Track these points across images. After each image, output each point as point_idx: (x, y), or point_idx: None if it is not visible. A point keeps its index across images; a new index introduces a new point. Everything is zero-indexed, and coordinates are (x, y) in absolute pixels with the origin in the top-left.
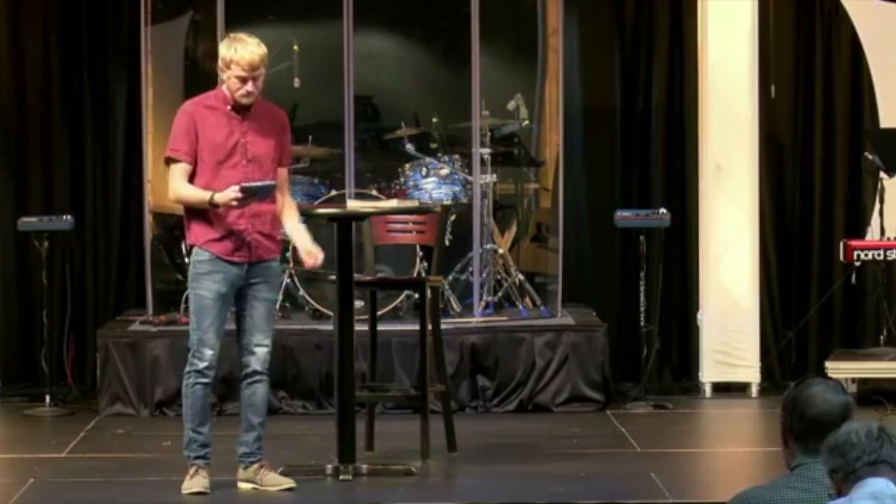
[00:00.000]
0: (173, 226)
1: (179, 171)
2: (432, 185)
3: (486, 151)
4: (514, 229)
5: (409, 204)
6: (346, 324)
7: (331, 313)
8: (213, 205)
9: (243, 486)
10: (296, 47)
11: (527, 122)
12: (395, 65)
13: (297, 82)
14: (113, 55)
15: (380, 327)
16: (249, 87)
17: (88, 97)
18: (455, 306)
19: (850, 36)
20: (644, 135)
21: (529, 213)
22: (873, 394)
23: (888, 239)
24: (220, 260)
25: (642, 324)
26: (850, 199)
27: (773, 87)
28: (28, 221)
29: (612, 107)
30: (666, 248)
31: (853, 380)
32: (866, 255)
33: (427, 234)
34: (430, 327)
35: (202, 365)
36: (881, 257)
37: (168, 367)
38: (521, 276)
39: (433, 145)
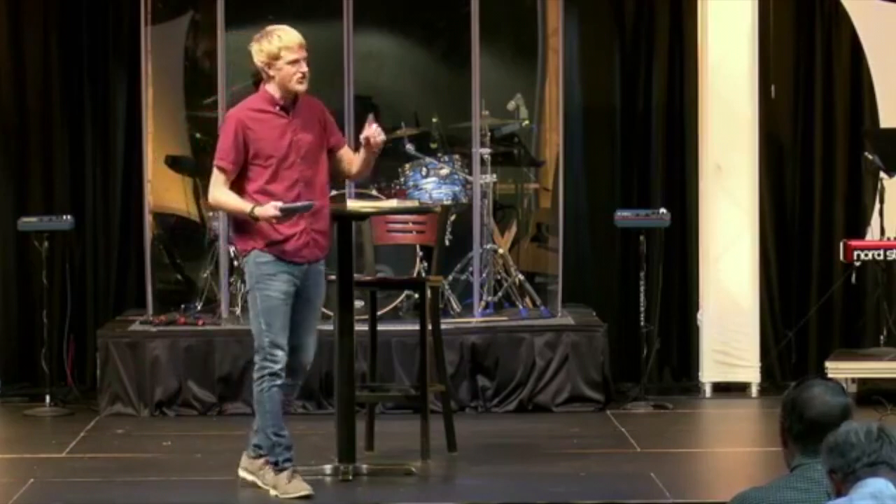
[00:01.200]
0: (173, 226)
1: (221, 177)
2: (432, 185)
3: (486, 151)
4: (514, 229)
5: (409, 204)
6: (346, 324)
7: (331, 313)
8: (252, 218)
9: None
10: None
11: (527, 122)
12: (395, 65)
13: None
14: (113, 55)
15: (380, 327)
16: (304, 67)
17: (88, 97)
18: (455, 306)
19: (850, 36)
20: (644, 135)
21: (529, 213)
22: (873, 394)
23: (888, 239)
24: (283, 261)
25: (642, 324)
26: (850, 199)
27: (773, 87)
28: (28, 221)
29: (612, 107)
30: (666, 248)
31: (853, 380)
32: (866, 255)
33: (427, 234)
34: (430, 327)
35: (277, 367)
36: (881, 257)
37: (168, 367)
38: (521, 276)
39: (433, 145)
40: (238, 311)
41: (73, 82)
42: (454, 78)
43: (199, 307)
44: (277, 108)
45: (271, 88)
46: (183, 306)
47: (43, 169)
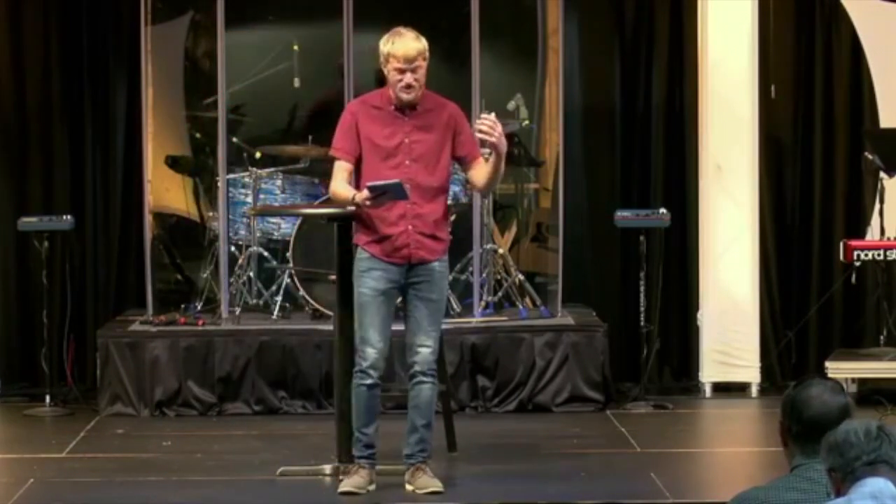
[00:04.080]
0: (173, 226)
1: (338, 168)
2: None
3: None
4: (514, 229)
5: None
6: (346, 324)
7: (331, 313)
8: (354, 204)
9: (407, 486)
10: (296, 47)
11: (527, 122)
12: None
13: (297, 82)
14: (113, 55)
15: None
16: (408, 78)
17: (88, 97)
18: (455, 306)
19: (850, 36)
20: (644, 135)
21: (529, 213)
22: (873, 394)
23: (888, 239)
24: (378, 259)
25: (642, 324)
26: (850, 199)
27: (773, 87)
28: (28, 221)
29: (612, 107)
30: (666, 248)
31: (853, 380)
32: (866, 255)
33: None
34: None
35: (365, 364)
36: (881, 257)
37: (168, 367)
38: (521, 276)
39: None
40: (238, 311)
41: (73, 82)
42: (454, 78)
43: (199, 307)
44: (393, 107)
45: (389, 87)
46: (183, 306)
47: (43, 169)
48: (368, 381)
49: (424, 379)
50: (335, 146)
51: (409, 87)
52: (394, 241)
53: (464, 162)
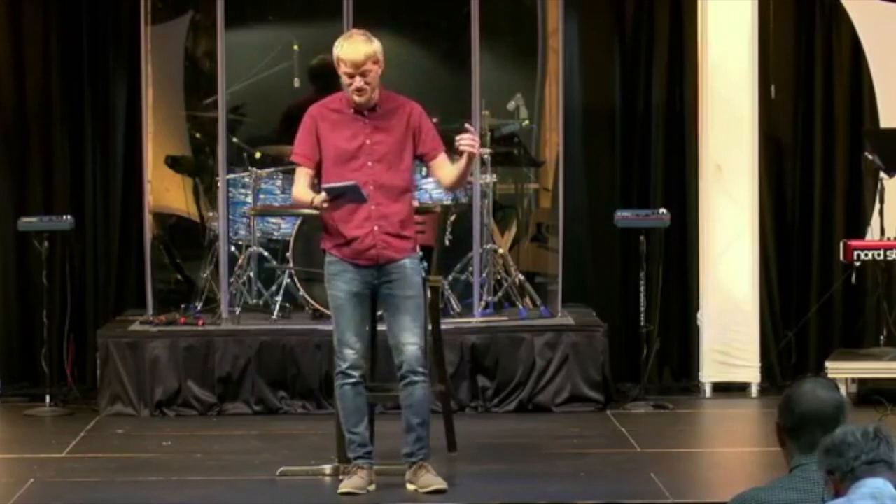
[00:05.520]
0: (173, 226)
1: (299, 173)
2: (432, 185)
3: (486, 151)
4: (514, 229)
5: None
6: None
7: (331, 313)
8: (313, 207)
9: (409, 486)
10: (296, 47)
11: (527, 122)
12: (395, 65)
13: (297, 82)
14: (113, 55)
15: (380, 327)
16: (357, 82)
17: (88, 97)
18: (455, 306)
19: (850, 36)
20: (644, 135)
21: (529, 213)
22: (873, 394)
23: (888, 239)
24: (347, 263)
25: (642, 324)
26: (850, 199)
27: (773, 87)
28: (28, 221)
29: (612, 107)
30: (666, 248)
31: (853, 380)
32: (866, 255)
33: (427, 235)
34: (430, 327)
35: (345, 365)
36: (881, 257)
37: (168, 367)
38: (521, 276)
39: None
40: (238, 311)
41: (73, 82)
42: (454, 78)
43: (199, 307)
44: (352, 109)
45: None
46: (183, 306)
47: (43, 169)
48: (351, 381)
49: (415, 378)
50: (295, 151)
51: (359, 90)
52: (360, 243)
53: (425, 159)
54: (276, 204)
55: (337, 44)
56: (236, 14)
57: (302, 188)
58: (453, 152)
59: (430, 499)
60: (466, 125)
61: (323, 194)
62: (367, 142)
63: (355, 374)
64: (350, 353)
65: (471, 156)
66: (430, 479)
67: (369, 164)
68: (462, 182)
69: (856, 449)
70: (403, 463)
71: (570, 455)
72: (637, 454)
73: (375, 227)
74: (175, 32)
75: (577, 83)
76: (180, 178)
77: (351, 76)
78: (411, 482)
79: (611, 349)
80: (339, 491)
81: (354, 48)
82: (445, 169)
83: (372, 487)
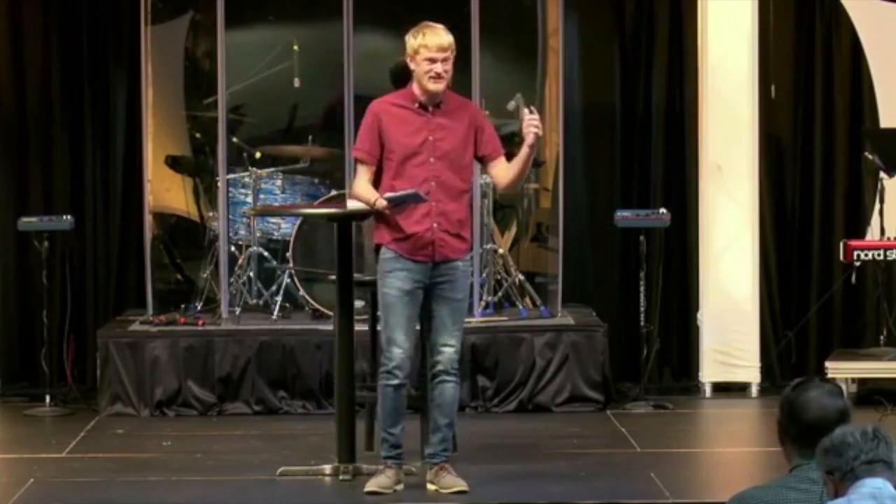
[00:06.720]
0: (173, 226)
1: (360, 168)
2: None
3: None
4: (514, 229)
5: None
6: (346, 324)
7: (331, 313)
8: (375, 209)
9: (430, 487)
10: (296, 47)
11: None
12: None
13: (297, 82)
14: (113, 56)
15: (380, 327)
16: (439, 68)
17: (88, 97)
18: None
19: (850, 36)
20: (644, 135)
21: (529, 212)
22: (873, 394)
23: (888, 239)
24: (403, 258)
25: (642, 324)
26: (850, 199)
27: (773, 87)
28: (28, 221)
29: (612, 107)
30: (666, 248)
31: (853, 380)
32: (866, 255)
33: None
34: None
35: (391, 364)
36: (881, 257)
37: (168, 367)
38: (521, 276)
39: None
40: (238, 311)
41: (73, 83)
42: (454, 78)
43: (199, 307)
44: (417, 105)
45: (414, 85)
46: (183, 306)
47: (43, 169)
48: (395, 382)
49: (448, 378)
50: (357, 146)
51: (438, 76)
52: (419, 239)
53: (486, 160)
54: (277, 204)
55: (414, 33)
56: (236, 14)
57: (364, 185)
58: None
59: (432, 497)
60: (530, 107)
61: (384, 202)
62: (431, 138)
63: (400, 374)
64: (398, 353)
65: (533, 143)
66: (453, 481)
67: (431, 160)
68: (523, 176)
69: (855, 449)
70: (425, 463)
71: (570, 455)
72: (637, 454)
73: (435, 224)
74: (175, 32)
75: (577, 83)
76: (180, 178)
77: (433, 61)
78: (433, 483)
79: (611, 349)
80: (366, 490)
81: (438, 35)
82: (504, 168)
83: (400, 487)
